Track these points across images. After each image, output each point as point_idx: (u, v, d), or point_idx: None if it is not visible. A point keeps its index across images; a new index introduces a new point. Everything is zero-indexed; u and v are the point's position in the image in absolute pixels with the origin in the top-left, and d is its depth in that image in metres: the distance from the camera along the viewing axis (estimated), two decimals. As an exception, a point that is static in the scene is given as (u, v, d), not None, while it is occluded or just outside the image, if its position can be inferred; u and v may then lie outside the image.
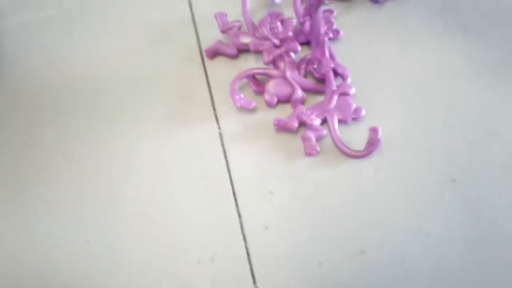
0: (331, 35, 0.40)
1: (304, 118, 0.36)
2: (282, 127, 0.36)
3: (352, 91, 0.37)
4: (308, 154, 0.35)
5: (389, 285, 0.31)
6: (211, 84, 0.39)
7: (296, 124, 0.36)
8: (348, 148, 0.35)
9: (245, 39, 0.39)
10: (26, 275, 0.32)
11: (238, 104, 0.37)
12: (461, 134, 0.36)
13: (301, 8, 0.41)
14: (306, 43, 0.40)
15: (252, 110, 0.37)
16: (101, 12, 0.44)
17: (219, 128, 0.37)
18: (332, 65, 0.38)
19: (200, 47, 0.41)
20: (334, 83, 0.37)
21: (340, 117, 0.36)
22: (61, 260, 0.32)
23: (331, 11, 0.40)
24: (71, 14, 0.43)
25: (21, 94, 0.39)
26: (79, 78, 0.40)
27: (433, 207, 0.33)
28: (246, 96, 0.38)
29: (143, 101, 0.38)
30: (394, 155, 0.35)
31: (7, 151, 0.37)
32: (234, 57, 0.40)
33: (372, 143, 0.35)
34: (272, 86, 0.37)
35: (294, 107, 0.37)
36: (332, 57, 0.38)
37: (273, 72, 0.38)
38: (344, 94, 0.37)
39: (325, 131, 0.36)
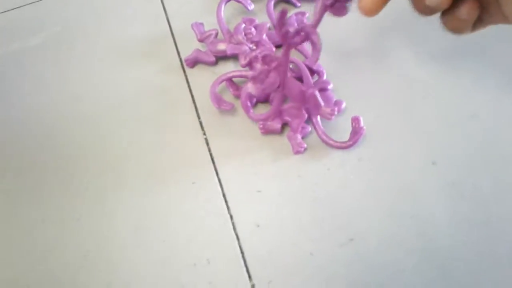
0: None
1: (287, 118, 0.37)
2: (267, 130, 0.37)
3: (330, 85, 0.38)
4: (297, 152, 0.36)
5: (380, 269, 0.31)
6: (193, 91, 0.40)
7: (279, 126, 0.37)
8: (334, 140, 0.36)
9: (222, 46, 0.41)
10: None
11: (218, 106, 0.38)
12: (437, 118, 0.37)
13: (274, 13, 0.42)
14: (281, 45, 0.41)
15: (235, 113, 0.38)
16: (83, 35, 0.45)
17: (204, 134, 0.38)
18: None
19: (180, 58, 0.42)
20: (311, 80, 0.38)
21: (322, 112, 0.37)
22: (62, 273, 0.33)
23: (303, 14, 0.42)
24: (53, 42, 0.45)
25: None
26: (66, 100, 0.41)
27: (416, 190, 0.34)
28: (227, 99, 0.39)
29: (130, 115, 0.40)
30: (374, 143, 0.36)
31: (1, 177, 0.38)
32: (213, 64, 0.41)
33: (356, 132, 0.36)
34: (250, 88, 0.38)
35: (274, 106, 0.38)
36: (306, 56, 0.40)
37: (250, 73, 0.39)
38: (323, 89, 0.38)
39: (309, 128, 0.37)
